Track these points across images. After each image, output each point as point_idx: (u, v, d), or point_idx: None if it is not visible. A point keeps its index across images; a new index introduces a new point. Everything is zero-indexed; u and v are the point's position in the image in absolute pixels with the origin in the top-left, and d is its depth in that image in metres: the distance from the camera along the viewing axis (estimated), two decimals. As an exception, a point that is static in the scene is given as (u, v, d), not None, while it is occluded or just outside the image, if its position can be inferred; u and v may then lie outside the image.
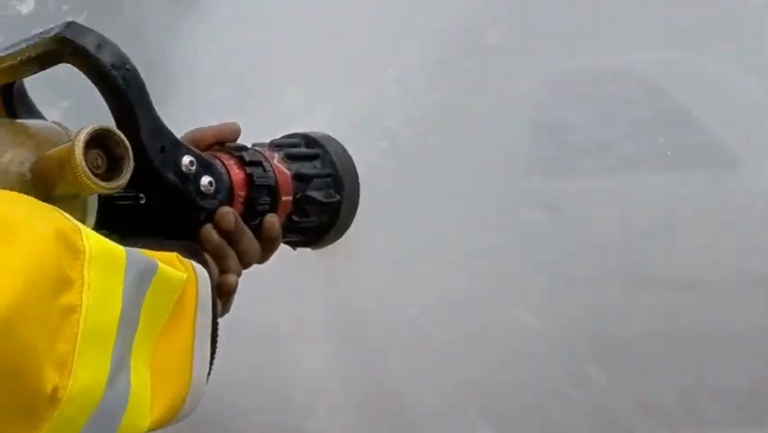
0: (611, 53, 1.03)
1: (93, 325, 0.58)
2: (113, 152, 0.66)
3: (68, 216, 0.61)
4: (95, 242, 0.60)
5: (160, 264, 0.66)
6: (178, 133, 0.78)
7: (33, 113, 0.80)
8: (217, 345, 0.77)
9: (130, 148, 0.67)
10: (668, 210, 0.98)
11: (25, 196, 0.62)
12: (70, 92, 0.81)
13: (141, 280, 0.64)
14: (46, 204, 0.62)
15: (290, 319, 1.08)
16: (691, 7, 0.99)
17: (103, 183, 0.65)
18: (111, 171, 0.66)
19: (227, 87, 1.16)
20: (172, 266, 0.69)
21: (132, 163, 0.67)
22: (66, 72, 0.72)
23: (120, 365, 0.61)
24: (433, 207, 1.04)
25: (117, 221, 0.73)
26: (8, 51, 0.76)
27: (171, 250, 0.73)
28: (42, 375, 0.55)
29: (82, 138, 0.64)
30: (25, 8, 2.10)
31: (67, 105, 0.84)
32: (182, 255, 0.73)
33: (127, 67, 0.71)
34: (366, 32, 1.06)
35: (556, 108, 1.03)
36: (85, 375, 0.57)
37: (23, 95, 0.80)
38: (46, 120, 0.78)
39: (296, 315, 1.07)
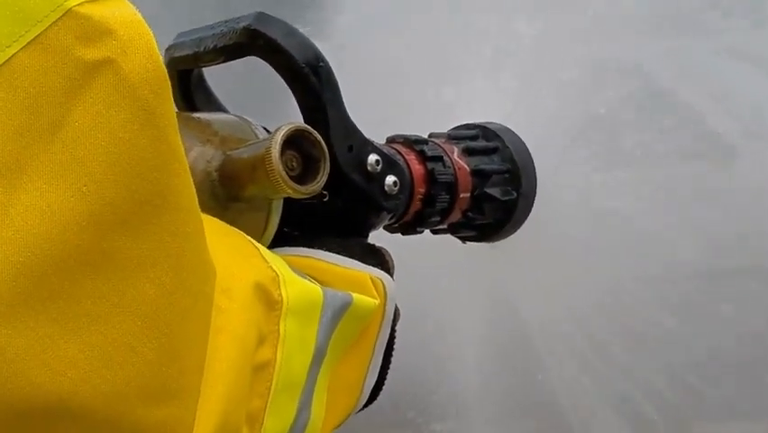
0: (608, 45, 0.97)
1: (286, 376, 0.55)
2: (308, 154, 0.62)
3: (265, 256, 0.57)
4: (292, 290, 0.56)
5: (355, 298, 0.63)
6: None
7: (212, 103, 0.76)
8: (393, 352, 0.74)
9: (326, 149, 0.62)
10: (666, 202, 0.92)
11: (224, 227, 0.58)
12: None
13: (335, 318, 0.60)
14: (244, 238, 0.58)
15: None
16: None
17: (299, 187, 0.60)
18: (305, 174, 0.62)
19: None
20: (366, 291, 0.66)
21: (327, 165, 0.62)
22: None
23: (305, 404, 0.58)
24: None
25: (298, 218, 0.69)
26: (191, 37, 0.72)
27: (353, 251, 0.70)
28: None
29: (279, 139, 0.60)
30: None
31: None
32: (364, 258, 0.70)
33: (321, 63, 0.67)
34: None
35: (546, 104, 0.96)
36: (273, 425, 0.54)
37: (202, 83, 0.76)
38: (227, 112, 0.74)
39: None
